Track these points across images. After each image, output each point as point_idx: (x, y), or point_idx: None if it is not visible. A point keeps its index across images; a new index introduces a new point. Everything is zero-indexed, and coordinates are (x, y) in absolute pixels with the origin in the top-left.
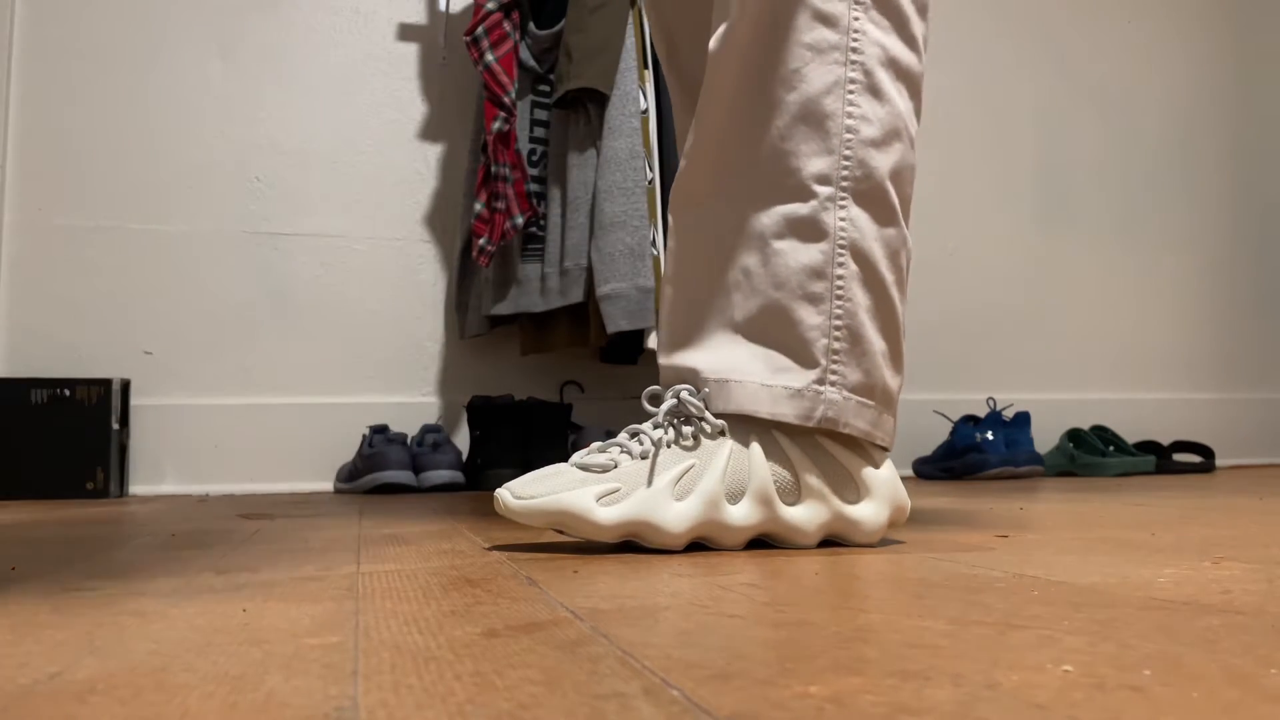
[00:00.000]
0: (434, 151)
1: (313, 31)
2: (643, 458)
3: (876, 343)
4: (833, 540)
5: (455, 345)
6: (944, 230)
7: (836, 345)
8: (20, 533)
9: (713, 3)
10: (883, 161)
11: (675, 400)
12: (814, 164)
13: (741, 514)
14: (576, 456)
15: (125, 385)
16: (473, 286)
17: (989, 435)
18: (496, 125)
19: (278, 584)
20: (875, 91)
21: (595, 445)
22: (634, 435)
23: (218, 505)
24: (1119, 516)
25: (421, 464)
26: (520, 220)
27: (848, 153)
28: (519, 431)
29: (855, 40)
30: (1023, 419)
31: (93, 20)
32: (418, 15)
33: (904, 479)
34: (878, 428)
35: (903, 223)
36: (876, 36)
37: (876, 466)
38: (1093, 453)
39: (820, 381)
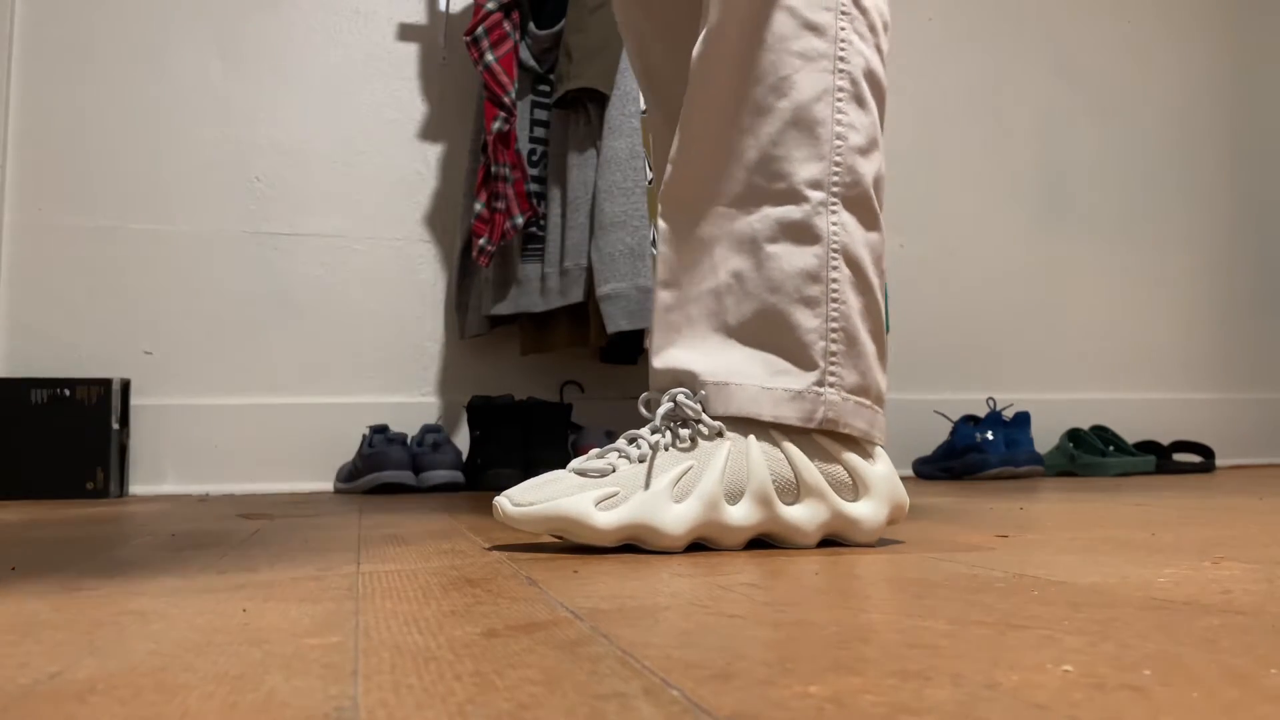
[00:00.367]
0: (434, 151)
1: (313, 31)
2: (640, 461)
3: (869, 344)
4: (832, 540)
5: (455, 345)
6: (944, 230)
7: (834, 348)
8: (20, 533)
9: (677, 4)
10: (868, 169)
11: (672, 404)
12: (806, 169)
13: (741, 514)
14: (574, 463)
15: (125, 385)
16: (473, 286)
17: (989, 435)
18: (496, 125)
19: (278, 584)
20: (860, 100)
21: (593, 452)
22: (632, 440)
23: (218, 505)
24: (1119, 516)
25: (421, 464)
26: (520, 220)
27: (838, 159)
28: (519, 431)
29: (843, 50)
30: (1023, 419)
31: (93, 20)
32: (418, 15)
33: (904, 479)
34: (874, 427)
35: (882, 227)
36: (860, 47)
37: (874, 464)
38: (1093, 453)
39: (820, 383)
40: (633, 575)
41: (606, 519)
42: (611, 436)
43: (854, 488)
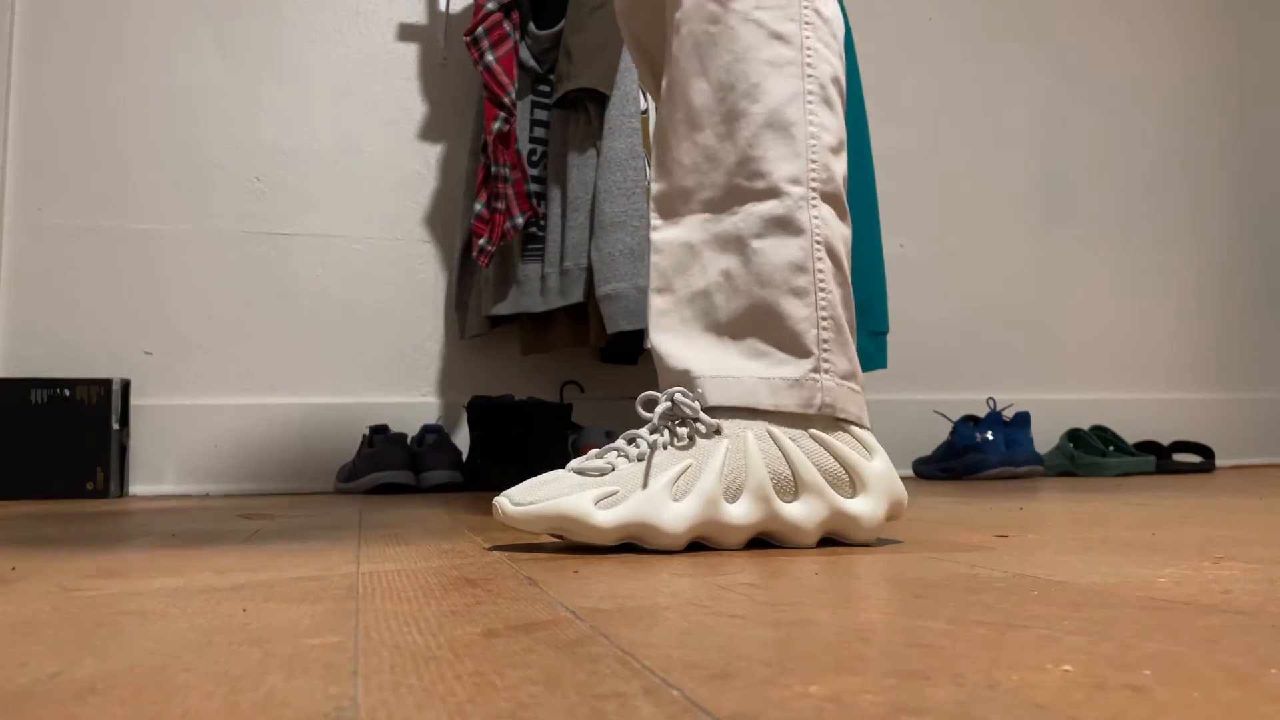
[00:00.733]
0: (434, 151)
1: (313, 31)
2: (639, 460)
3: (849, 332)
4: (832, 539)
5: (455, 345)
6: (944, 230)
7: (825, 335)
8: (20, 533)
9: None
10: (838, 167)
11: (669, 403)
12: (785, 167)
13: (740, 512)
14: (574, 463)
15: (125, 385)
16: (473, 286)
17: (989, 435)
18: (496, 125)
19: (278, 584)
20: (829, 103)
21: (592, 452)
22: (631, 440)
23: (218, 505)
24: (1119, 516)
25: (421, 464)
26: (520, 220)
27: (814, 157)
28: (519, 431)
29: (809, 56)
30: (1023, 419)
31: (93, 20)
32: (418, 15)
33: (904, 479)
34: (864, 411)
35: (850, 223)
36: (825, 54)
37: (871, 461)
38: (1093, 453)
39: (816, 370)
40: (633, 575)
41: (606, 518)
42: (611, 436)
43: (851, 484)
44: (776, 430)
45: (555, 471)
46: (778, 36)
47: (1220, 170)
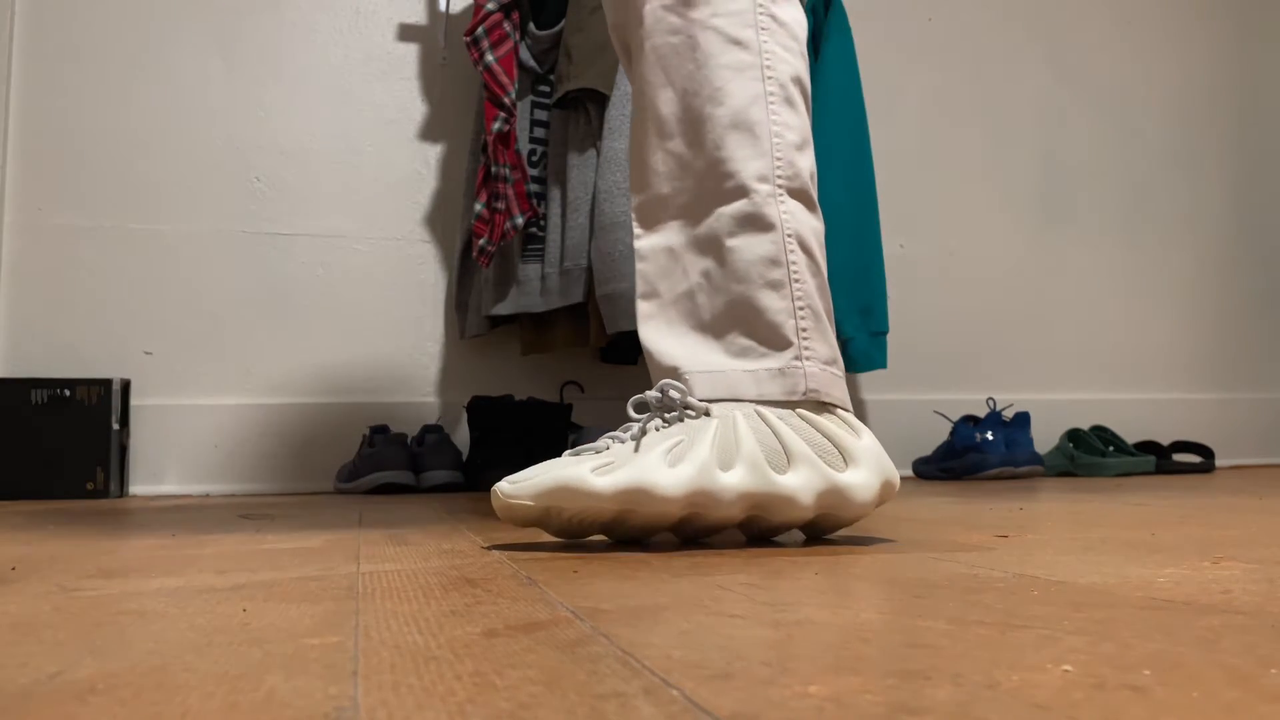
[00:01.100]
0: (434, 151)
1: (313, 31)
2: (632, 440)
3: (828, 320)
4: (826, 519)
5: (455, 345)
6: (944, 230)
7: (804, 324)
8: (20, 533)
9: None
10: (804, 163)
11: (659, 394)
12: (751, 166)
13: (734, 479)
14: (569, 451)
15: (125, 385)
16: (473, 286)
17: (989, 435)
18: (496, 125)
19: (278, 584)
20: (790, 102)
21: (586, 445)
22: (625, 430)
23: (218, 505)
24: (1119, 516)
25: (421, 464)
26: (520, 220)
27: (779, 155)
28: (519, 431)
29: (767, 59)
30: (1023, 419)
31: (93, 20)
32: (418, 15)
33: (904, 479)
34: (846, 396)
35: (821, 217)
36: (783, 56)
37: (859, 438)
38: (1093, 453)
39: (798, 358)
40: (633, 575)
41: (604, 482)
42: None
43: (841, 459)
44: (764, 410)
45: (550, 460)
46: (736, 42)
47: (1220, 170)
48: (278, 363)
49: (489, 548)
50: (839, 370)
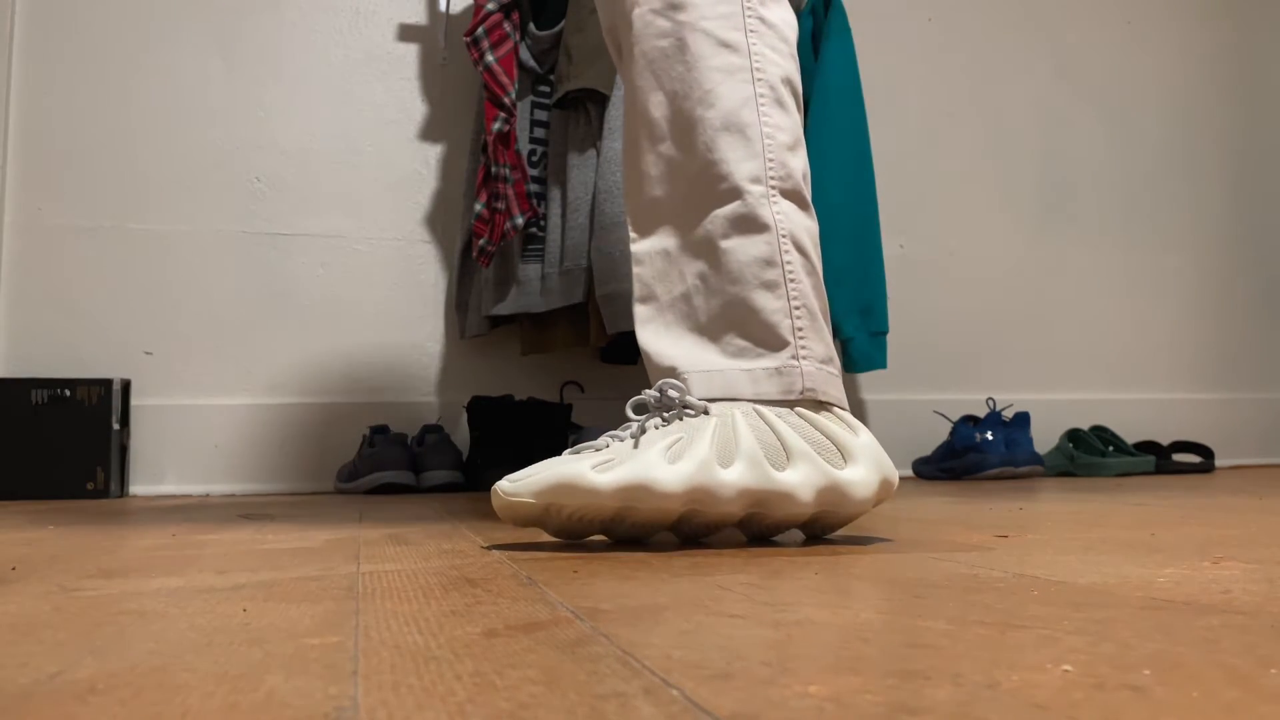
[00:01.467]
0: (434, 151)
1: (313, 31)
2: (632, 438)
3: (824, 319)
4: (826, 516)
5: (455, 345)
6: (944, 230)
7: (800, 324)
8: (20, 533)
9: None
10: (796, 164)
11: (658, 393)
12: (744, 167)
13: (734, 475)
14: (568, 451)
15: (125, 385)
16: (473, 286)
17: (989, 435)
18: (497, 126)
19: (278, 584)
20: (780, 104)
21: (586, 443)
22: (624, 429)
23: (218, 505)
24: (1119, 516)
25: (421, 464)
26: (520, 220)
27: (771, 155)
28: (519, 431)
29: (757, 61)
30: (1023, 419)
31: (92, 20)
32: (418, 15)
33: (904, 479)
34: (843, 395)
35: (815, 216)
36: (773, 58)
37: (857, 436)
38: (1092, 453)
39: (794, 357)
40: (633, 575)
41: (604, 478)
42: None
43: (840, 455)
44: (763, 408)
45: (550, 459)
46: (725, 45)
47: (1220, 170)
48: (278, 363)
49: (489, 548)
50: (835, 369)
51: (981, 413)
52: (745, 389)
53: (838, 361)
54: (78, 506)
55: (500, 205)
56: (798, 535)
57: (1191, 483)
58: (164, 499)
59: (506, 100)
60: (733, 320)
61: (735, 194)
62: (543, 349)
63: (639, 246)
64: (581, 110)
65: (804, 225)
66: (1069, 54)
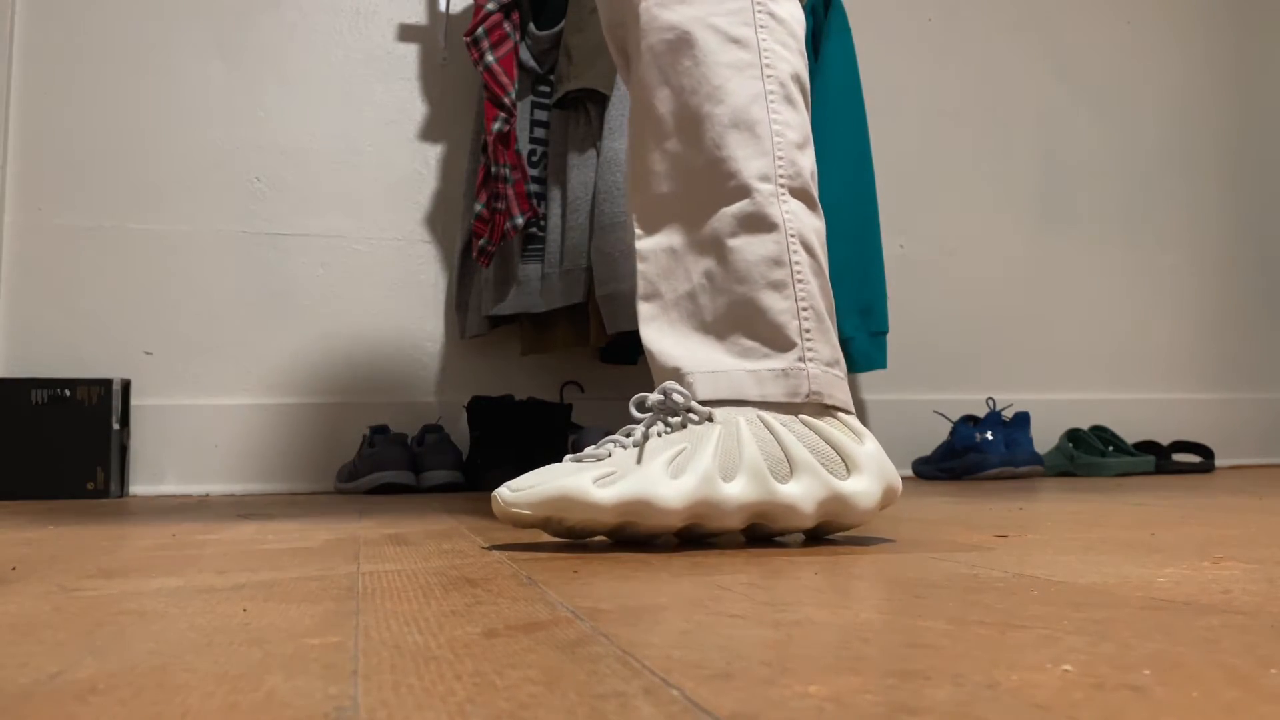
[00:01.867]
0: (434, 151)
1: (313, 31)
2: (634, 446)
3: (830, 321)
4: (829, 532)
5: (455, 345)
6: (944, 230)
7: (807, 325)
8: (20, 533)
9: None
10: (805, 162)
11: (662, 396)
12: (753, 165)
13: (736, 490)
14: (570, 455)
15: (125, 385)
16: (473, 286)
17: (989, 435)
18: (497, 126)
19: (278, 584)
20: (790, 101)
21: (589, 448)
22: (627, 434)
23: (218, 505)
24: (1119, 516)
25: (421, 464)
26: (520, 220)
27: (780, 153)
28: (519, 431)
29: (767, 58)
30: (1022, 419)
31: (93, 20)
32: (418, 15)
33: (904, 479)
34: (849, 398)
35: (822, 216)
36: (783, 54)
37: (862, 444)
38: (1092, 453)
39: (801, 359)
40: (633, 575)
41: (605, 494)
42: None
43: (844, 466)
44: (767, 415)
45: (551, 465)
46: (735, 40)
47: (1219, 170)
48: (278, 363)
49: (489, 548)
50: (841, 372)
51: (981, 413)
52: (751, 391)
53: (844, 364)
54: (78, 506)
55: (500, 205)
56: (798, 535)
57: (1191, 483)
58: (164, 499)
59: (506, 100)
60: (739, 320)
61: (744, 192)
62: (543, 349)
63: (644, 243)
64: (581, 110)
65: (812, 225)
66: (1069, 54)
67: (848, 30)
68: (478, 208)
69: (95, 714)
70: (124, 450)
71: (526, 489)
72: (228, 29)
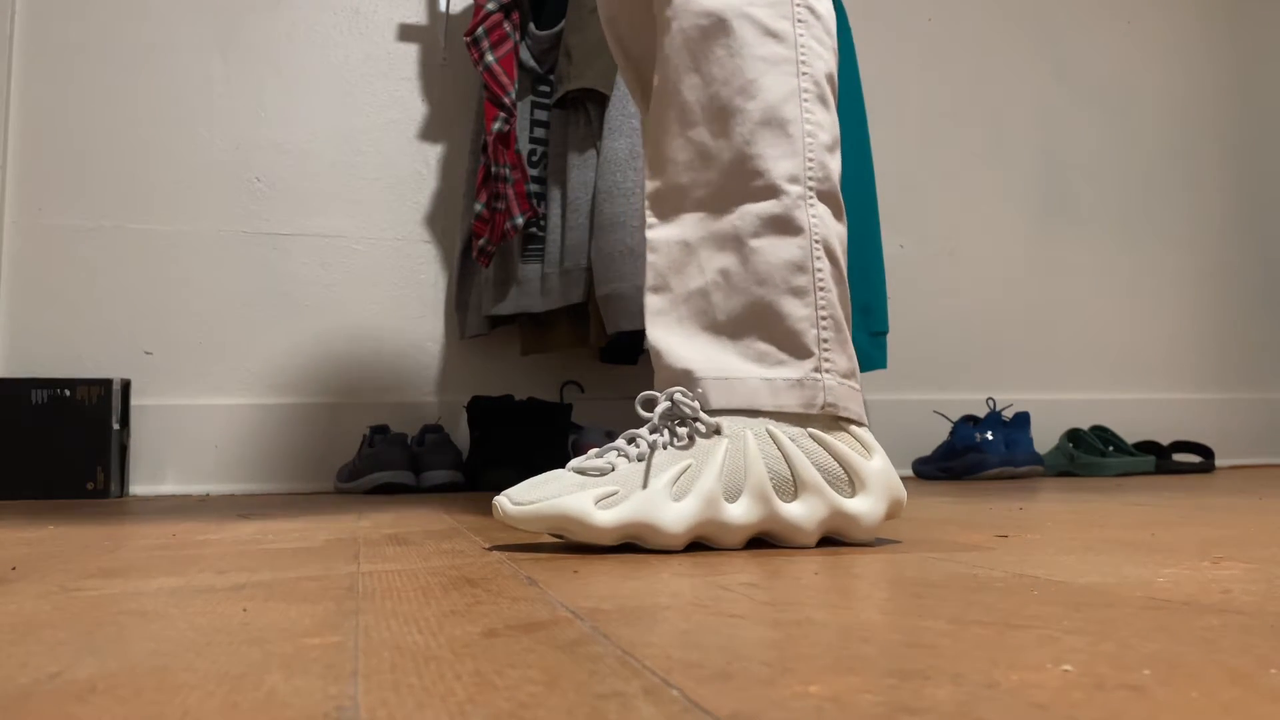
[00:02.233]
0: (434, 151)
1: (313, 31)
2: (639, 460)
3: (848, 331)
4: (831, 538)
5: (455, 345)
6: (944, 230)
7: (825, 334)
8: (20, 533)
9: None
10: (834, 165)
11: (669, 403)
12: (782, 165)
13: (740, 512)
14: (573, 462)
15: (125, 385)
16: (473, 286)
17: (989, 435)
18: (497, 126)
19: (278, 584)
20: (823, 101)
21: (592, 451)
22: (631, 440)
23: (218, 505)
24: (1119, 516)
25: (421, 464)
26: (520, 220)
27: (811, 155)
28: (519, 431)
29: (803, 54)
30: (1022, 419)
31: (93, 20)
32: (418, 15)
33: (904, 479)
34: (863, 410)
35: (846, 221)
36: (819, 51)
37: (870, 460)
38: (1092, 453)
39: (817, 370)
40: (633, 575)
41: (606, 517)
42: (611, 436)
43: (850, 484)
44: (776, 429)
45: (555, 471)
46: (772, 34)
47: (1219, 170)
48: (278, 363)
49: (489, 548)
50: (857, 383)
51: (981, 413)
52: (765, 401)
53: (859, 375)
54: (78, 506)
55: (500, 205)
56: None
57: (1191, 483)
58: (164, 499)
59: (506, 100)
60: (755, 323)
61: (771, 192)
62: (543, 349)
63: (656, 233)
64: (581, 110)
65: (836, 231)
66: (1069, 54)
67: (848, 30)
68: (478, 208)
69: (95, 714)
70: (124, 450)
71: (527, 504)
72: (227, 28)
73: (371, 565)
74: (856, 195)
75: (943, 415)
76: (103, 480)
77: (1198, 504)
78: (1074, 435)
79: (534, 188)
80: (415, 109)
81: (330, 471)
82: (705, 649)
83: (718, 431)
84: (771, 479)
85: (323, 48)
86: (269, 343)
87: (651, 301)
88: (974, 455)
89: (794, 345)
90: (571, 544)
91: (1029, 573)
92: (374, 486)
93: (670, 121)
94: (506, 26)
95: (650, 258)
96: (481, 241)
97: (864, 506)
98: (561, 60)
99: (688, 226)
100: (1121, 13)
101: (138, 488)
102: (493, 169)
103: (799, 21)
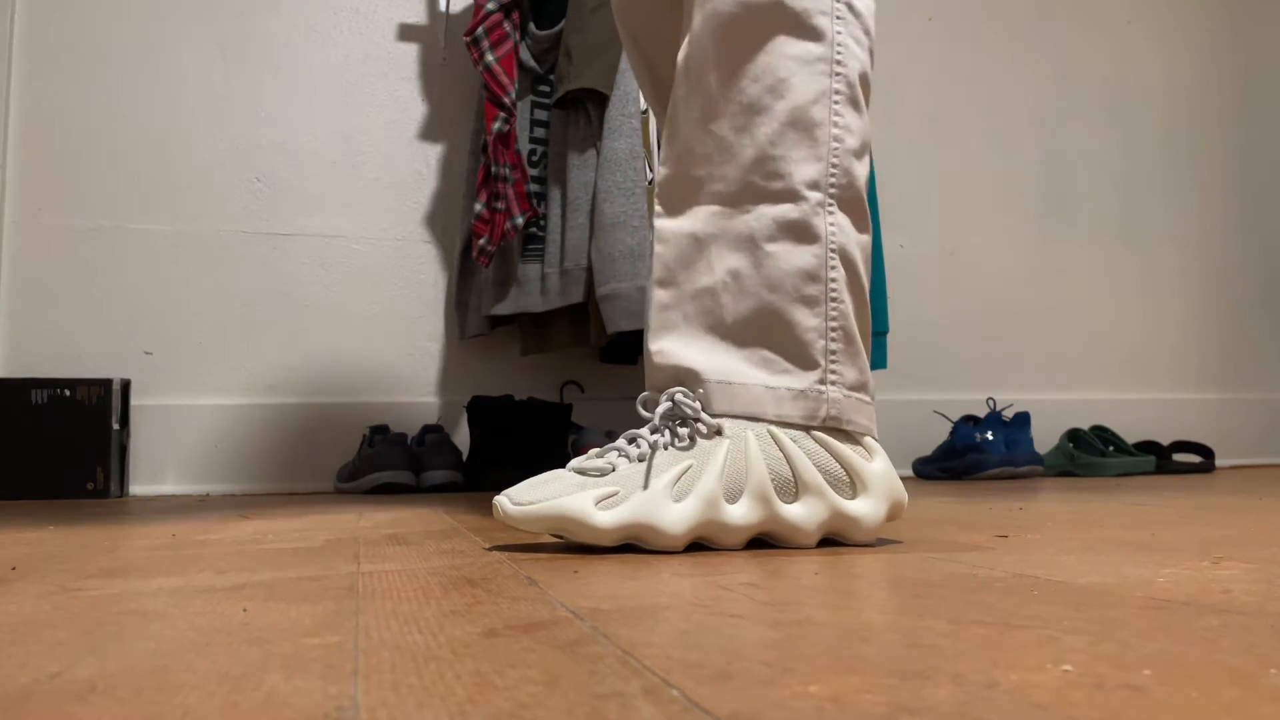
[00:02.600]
0: (434, 151)
1: (313, 31)
2: (640, 460)
3: (862, 342)
4: (832, 539)
5: (455, 345)
6: (944, 230)
7: (833, 346)
8: (20, 533)
9: (680, 19)
10: (860, 171)
11: (670, 403)
12: (804, 170)
13: (740, 513)
14: (574, 462)
15: (125, 385)
16: (473, 286)
17: (989, 435)
18: (497, 125)
19: (278, 584)
20: (855, 104)
21: (593, 451)
22: (631, 440)
23: (218, 505)
24: (1119, 516)
25: (421, 464)
26: (520, 220)
27: (835, 160)
28: (519, 431)
29: (840, 54)
30: (1023, 419)
31: (93, 20)
32: (418, 15)
33: (904, 479)
34: (871, 421)
35: (869, 229)
36: (856, 51)
37: (871, 462)
38: (1093, 453)
39: (822, 382)
40: (633, 575)
41: (606, 518)
42: (611, 436)
43: (852, 485)
44: (778, 431)
45: (555, 471)
46: (809, 30)
47: (1220, 170)
48: (278, 363)
49: (489, 548)
50: (866, 396)
51: (981, 413)
52: (768, 409)
53: (871, 386)
54: (78, 506)
55: (500, 205)
56: None
57: (1191, 483)
58: (164, 499)
59: (506, 100)
60: (763, 329)
61: (790, 195)
62: (543, 349)
63: (665, 223)
64: (581, 110)
65: (856, 239)
66: (1069, 54)
67: None
68: (478, 208)
69: (95, 714)
70: (124, 450)
71: (528, 505)
72: (227, 28)
73: (371, 565)
74: None
75: (943, 415)
76: (103, 480)
77: (1198, 504)
78: (1074, 435)
79: (534, 188)
80: (415, 109)
81: (330, 471)
82: (705, 649)
83: (719, 432)
84: (773, 480)
85: (323, 48)
86: (269, 343)
87: (658, 295)
88: (974, 455)
89: (800, 355)
90: (571, 544)
91: (1029, 573)
92: (374, 486)
93: (692, 109)
94: (506, 26)
95: (657, 249)
96: (481, 241)
97: (865, 508)
98: (561, 60)
99: (700, 220)
100: (1122, 12)
101: (138, 488)
102: (493, 169)
103: (838, 18)
